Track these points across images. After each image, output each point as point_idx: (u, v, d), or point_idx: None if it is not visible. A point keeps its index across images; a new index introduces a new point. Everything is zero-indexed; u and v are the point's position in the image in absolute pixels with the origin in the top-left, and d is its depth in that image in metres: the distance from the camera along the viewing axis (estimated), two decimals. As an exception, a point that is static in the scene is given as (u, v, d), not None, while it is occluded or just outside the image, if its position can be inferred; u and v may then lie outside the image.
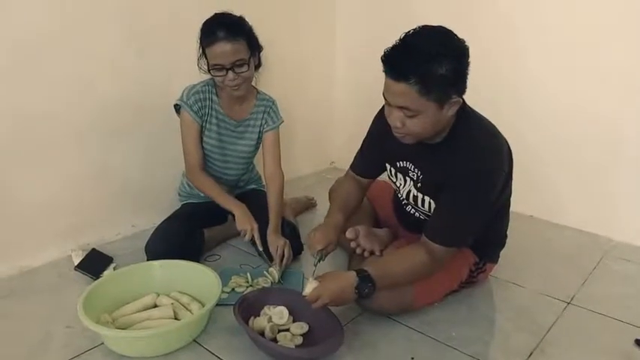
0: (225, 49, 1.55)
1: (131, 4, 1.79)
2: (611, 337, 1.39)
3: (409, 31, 1.18)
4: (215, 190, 1.73)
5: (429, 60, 1.12)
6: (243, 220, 1.66)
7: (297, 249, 1.75)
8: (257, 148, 1.87)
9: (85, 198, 1.83)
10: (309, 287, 1.26)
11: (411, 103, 1.17)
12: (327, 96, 2.78)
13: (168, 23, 1.89)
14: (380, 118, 1.42)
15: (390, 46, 1.18)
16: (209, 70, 1.62)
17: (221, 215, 1.74)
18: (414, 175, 1.41)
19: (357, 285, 1.25)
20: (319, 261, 1.41)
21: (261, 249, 1.67)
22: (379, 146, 1.49)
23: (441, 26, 1.19)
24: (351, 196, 1.57)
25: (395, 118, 1.23)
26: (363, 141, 1.58)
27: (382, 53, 1.18)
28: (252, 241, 1.68)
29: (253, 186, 2.00)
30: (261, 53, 1.70)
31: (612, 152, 1.95)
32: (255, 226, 1.65)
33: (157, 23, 1.88)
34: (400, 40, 1.18)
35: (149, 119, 1.92)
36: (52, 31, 1.62)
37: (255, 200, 1.84)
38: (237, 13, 1.65)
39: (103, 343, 1.31)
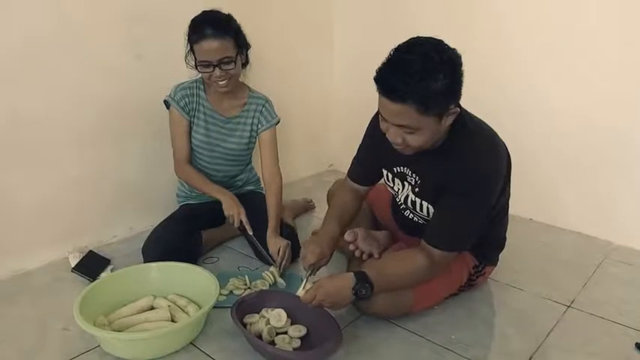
0: (212, 46, 1.56)
1: (130, 8, 1.79)
2: (612, 340, 1.38)
3: (399, 47, 1.15)
4: (200, 179, 1.76)
5: (424, 78, 1.09)
6: (229, 205, 1.68)
7: (295, 252, 1.74)
8: (249, 148, 1.86)
9: (82, 200, 1.82)
10: (304, 289, 1.25)
11: (410, 121, 1.15)
12: (325, 98, 2.77)
13: (166, 26, 1.89)
14: (374, 124, 1.40)
15: (381, 64, 1.15)
16: (196, 67, 1.63)
17: (219, 217, 1.73)
18: (412, 180, 1.40)
19: (355, 285, 1.24)
20: (310, 275, 1.39)
21: (250, 233, 1.68)
22: (375, 152, 1.47)
23: (430, 38, 1.15)
24: (347, 206, 1.55)
25: (394, 135, 1.21)
26: (359, 148, 1.56)
27: (377, 61, 1.16)
28: (242, 229, 1.68)
29: (251, 187, 1.98)
30: (256, 54, 1.71)
31: (612, 155, 1.94)
32: (242, 210, 1.67)
33: (156, 26, 1.87)
34: (391, 57, 1.15)
35: (147, 122, 1.91)
36: (50, 34, 1.62)
37: (253, 202, 1.84)
38: (235, 14, 1.65)
39: (99, 346, 1.30)
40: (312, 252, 1.39)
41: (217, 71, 1.61)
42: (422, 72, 1.10)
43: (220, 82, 1.64)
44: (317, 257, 1.38)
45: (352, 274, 1.27)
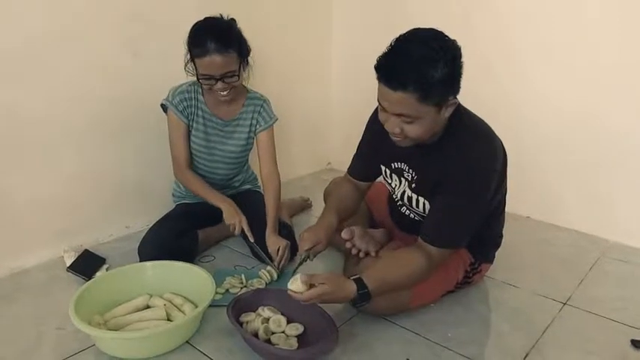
0: (215, 62, 1.53)
1: (129, 8, 1.79)
2: (607, 337, 1.39)
3: (400, 37, 1.16)
4: (201, 186, 1.73)
5: (425, 66, 1.10)
6: (230, 214, 1.66)
7: (293, 251, 1.73)
8: (247, 149, 1.86)
9: (78, 199, 1.82)
10: (299, 287, 1.20)
11: (410, 110, 1.15)
12: (324, 96, 2.77)
13: (164, 26, 1.88)
14: (374, 120, 1.41)
15: (382, 53, 1.16)
16: (198, 78, 1.61)
17: (215, 216, 1.73)
18: (408, 175, 1.41)
19: (354, 299, 1.24)
20: (304, 260, 1.40)
21: (252, 240, 1.67)
22: (374, 147, 1.47)
23: (431, 28, 1.16)
24: (348, 197, 1.55)
25: (392, 125, 1.21)
26: (359, 144, 1.57)
27: (375, 61, 1.16)
28: (243, 235, 1.68)
29: (248, 186, 1.98)
30: (255, 53, 1.69)
31: (609, 153, 1.94)
32: (243, 218, 1.66)
33: (153, 26, 1.87)
34: (392, 46, 1.15)
35: (143, 121, 1.91)
36: (49, 34, 1.62)
37: (250, 201, 1.83)
38: (234, 14, 1.63)
39: (94, 345, 1.29)
40: (306, 239, 1.40)
41: (220, 84, 1.58)
42: (422, 59, 1.10)
43: (222, 93, 1.62)
44: (312, 243, 1.39)
45: (355, 288, 1.23)
